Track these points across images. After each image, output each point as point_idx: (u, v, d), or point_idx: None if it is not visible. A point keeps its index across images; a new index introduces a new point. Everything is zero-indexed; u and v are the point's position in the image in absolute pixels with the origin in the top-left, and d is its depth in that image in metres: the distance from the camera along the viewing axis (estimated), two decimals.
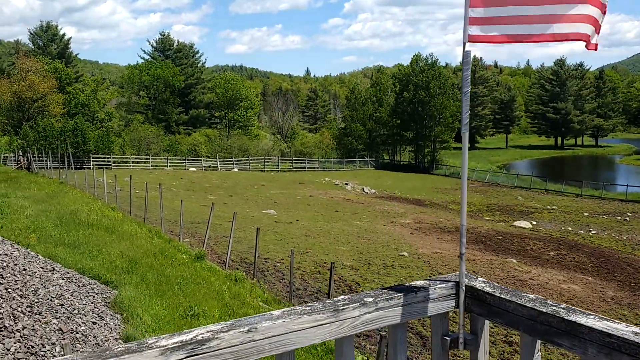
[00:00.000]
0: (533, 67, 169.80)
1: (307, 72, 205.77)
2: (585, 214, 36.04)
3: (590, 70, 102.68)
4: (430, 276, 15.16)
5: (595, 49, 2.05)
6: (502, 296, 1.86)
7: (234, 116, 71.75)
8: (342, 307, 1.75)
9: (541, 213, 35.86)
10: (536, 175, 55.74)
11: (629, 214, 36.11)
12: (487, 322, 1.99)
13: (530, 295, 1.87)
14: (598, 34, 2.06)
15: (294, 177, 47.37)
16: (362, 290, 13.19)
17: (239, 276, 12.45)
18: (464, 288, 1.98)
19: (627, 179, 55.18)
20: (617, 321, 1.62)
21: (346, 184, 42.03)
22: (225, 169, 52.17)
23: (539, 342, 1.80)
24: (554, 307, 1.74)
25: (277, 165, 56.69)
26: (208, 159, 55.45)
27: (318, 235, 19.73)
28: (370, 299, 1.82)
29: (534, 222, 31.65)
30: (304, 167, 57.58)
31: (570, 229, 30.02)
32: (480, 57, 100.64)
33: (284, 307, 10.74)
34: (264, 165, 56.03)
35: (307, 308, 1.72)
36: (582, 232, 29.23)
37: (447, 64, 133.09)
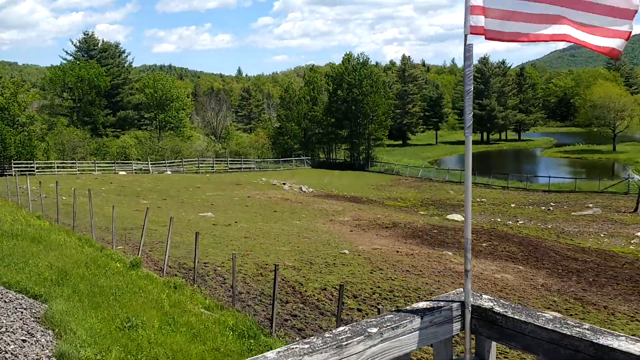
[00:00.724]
0: (458, 66, 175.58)
1: (239, 71, 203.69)
2: (512, 205, 37.58)
3: (512, 67, 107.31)
4: (371, 272, 15.29)
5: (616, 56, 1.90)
6: (516, 317, 1.69)
7: (165, 117, 69.92)
8: (345, 343, 1.56)
9: (472, 206, 37.07)
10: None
11: (552, 204, 37.95)
12: (494, 344, 1.83)
13: (547, 315, 1.70)
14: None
15: (230, 178, 46.73)
16: (305, 291, 13.11)
17: (178, 283, 12.07)
18: (470, 308, 1.83)
19: (548, 171, 58.03)
20: None
21: (284, 184, 41.88)
22: (158, 172, 50.77)
23: None
24: (577, 329, 1.55)
25: (212, 167, 55.78)
26: (139, 162, 53.76)
27: (258, 237, 19.50)
28: (375, 330, 1.64)
29: None
30: (240, 168, 56.96)
31: (499, 220, 31.20)
32: (409, 56, 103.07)
33: (228, 312, 10.49)
34: (198, 167, 54.95)
35: (306, 346, 1.53)
36: (510, 222, 30.45)
37: (377, 63, 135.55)
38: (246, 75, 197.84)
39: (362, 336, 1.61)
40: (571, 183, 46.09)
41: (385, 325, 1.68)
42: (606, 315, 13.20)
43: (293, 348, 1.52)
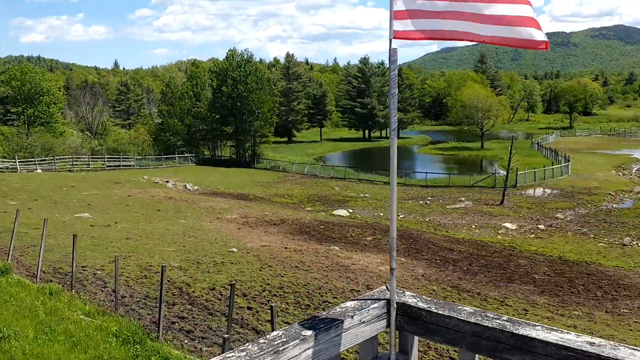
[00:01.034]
0: (340, 65, 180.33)
1: (116, 64, 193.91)
2: None
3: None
4: (261, 270, 15.26)
5: (546, 48, 1.96)
6: (440, 312, 1.73)
7: (35, 112, 64.73)
8: (282, 348, 1.54)
9: (356, 201, 38.28)
10: (349, 166, 59.36)
11: (429, 198, 40.22)
12: (416, 338, 1.87)
13: (468, 308, 1.75)
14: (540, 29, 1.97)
15: (108, 176, 44.32)
16: (193, 291, 12.79)
17: (54, 289, 11.25)
18: (395, 306, 1.85)
19: (425, 167, 61.39)
20: (564, 330, 1.54)
21: (167, 182, 40.51)
22: (27, 170, 46.91)
23: (477, 356, 1.69)
24: (497, 321, 1.61)
25: (88, 165, 52.56)
26: (5, 160, 49.36)
27: (141, 237, 18.70)
28: (309, 332, 1.63)
29: (351, 210, 33.68)
30: (119, 166, 54.22)
31: (382, 214, 32.51)
32: (292, 54, 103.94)
33: (110, 318, 9.95)
34: (72, 165, 51.51)
35: (242, 354, 1.48)
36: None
37: (261, 60, 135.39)
38: (124, 68, 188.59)
39: (298, 340, 1.59)
40: (445, 178, 49.11)
41: (318, 328, 1.67)
42: (479, 301, 14.22)
43: (229, 357, 1.48)
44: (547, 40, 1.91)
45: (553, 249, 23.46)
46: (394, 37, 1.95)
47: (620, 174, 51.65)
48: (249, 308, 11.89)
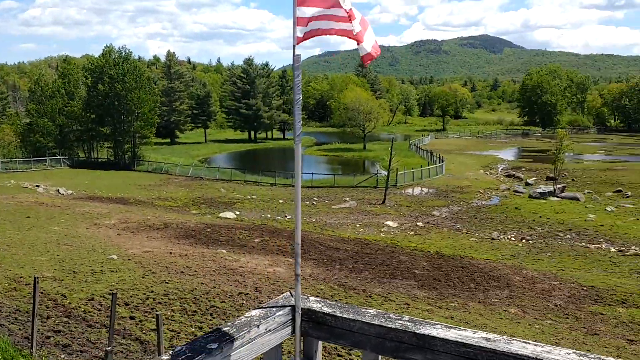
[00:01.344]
0: (224, 65, 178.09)
1: None
2: (280, 200, 39.50)
3: (275, 70, 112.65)
4: (143, 277, 14.62)
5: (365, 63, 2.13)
6: (345, 316, 1.73)
7: None
8: None
9: (243, 203, 37.98)
10: (235, 167, 58.77)
11: (315, 199, 40.90)
12: (320, 343, 1.86)
13: (371, 311, 1.75)
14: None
15: None
16: (69, 303, 11.96)
17: None
18: (300, 312, 1.83)
19: (310, 168, 62.37)
20: (462, 328, 1.59)
21: (37, 186, 37.60)
22: None
23: (380, 357, 1.70)
24: (400, 321, 1.64)
25: None
26: None
27: (9, 247, 17.18)
28: (215, 345, 1.55)
29: (238, 212, 33.36)
30: None
31: (269, 215, 32.55)
32: (174, 52, 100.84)
33: None
34: None
35: None
36: (279, 218, 31.97)
37: (140, 58, 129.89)
38: None
39: (204, 354, 1.53)
40: (330, 179, 50.25)
41: (224, 339, 1.62)
42: (365, 297, 14.69)
43: None
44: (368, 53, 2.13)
45: (431, 245, 24.85)
46: (297, 44, 1.99)
47: (488, 173, 55.97)
48: (132, 317, 11.34)
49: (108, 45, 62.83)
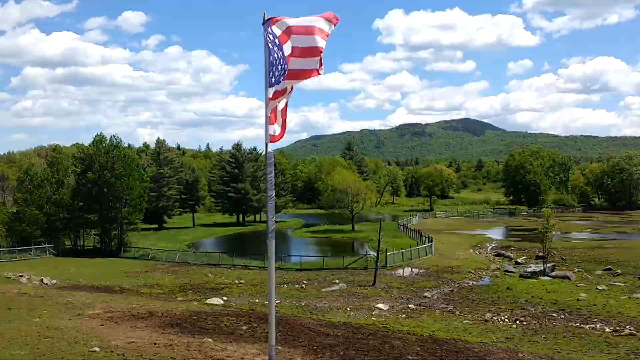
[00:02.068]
0: (213, 150, 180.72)
1: None
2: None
3: (262, 153, 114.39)
4: None
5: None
6: None
7: None
8: None
9: (230, 288, 37.31)
10: (223, 251, 58.19)
11: (304, 282, 40.35)
12: None
13: None
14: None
15: None
16: None
17: None
18: None
19: (299, 250, 61.97)
20: None
21: (21, 276, 36.80)
22: None
23: None
24: None
25: None
26: None
27: None
28: None
29: (225, 298, 32.69)
30: None
31: (257, 300, 31.91)
32: (164, 139, 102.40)
33: None
34: None
35: None
36: (266, 302, 31.37)
37: (130, 145, 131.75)
38: None
39: None
40: (320, 261, 49.81)
41: None
42: None
43: None
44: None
45: (423, 328, 24.33)
46: (270, 142, 2.07)
47: (477, 252, 55.88)
48: None
49: (99, 133, 63.75)
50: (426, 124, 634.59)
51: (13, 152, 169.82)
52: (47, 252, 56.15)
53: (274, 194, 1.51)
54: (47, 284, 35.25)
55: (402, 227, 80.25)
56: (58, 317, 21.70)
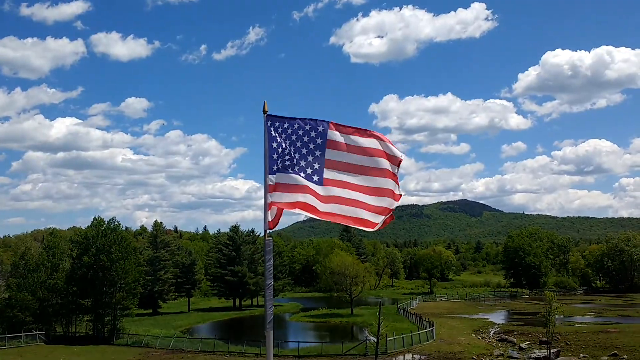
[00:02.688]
0: (210, 232, 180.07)
1: None
2: None
3: (261, 236, 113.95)
4: None
5: (372, 228, 2.33)
6: None
7: None
8: None
9: None
10: (219, 337, 56.68)
11: None
12: None
13: None
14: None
15: None
16: None
17: None
18: None
19: (297, 336, 60.38)
20: None
21: None
22: None
23: None
24: None
25: None
26: None
27: None
28: None
29: None
30: None
31: None
32: (161, 222, 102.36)
33: None
34: None
35: None
36: None
37: (127, 228, 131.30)
38: None
39: None
40: (318, 347, 48.50)
41: None
42: None
43: None
44: (377, 222, 2.37)
45: None
46: (269, 228, 2.19)
47: (480, 337, 54.52)
48: None
49: (97, 217, 63.79)
50: (424, 205, 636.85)
51: (9, 236, 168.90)
52: (38, 339, 54.63)
53: (272, 283, 1.54)
54: None
55: (401, 310, 78.71)
56: None
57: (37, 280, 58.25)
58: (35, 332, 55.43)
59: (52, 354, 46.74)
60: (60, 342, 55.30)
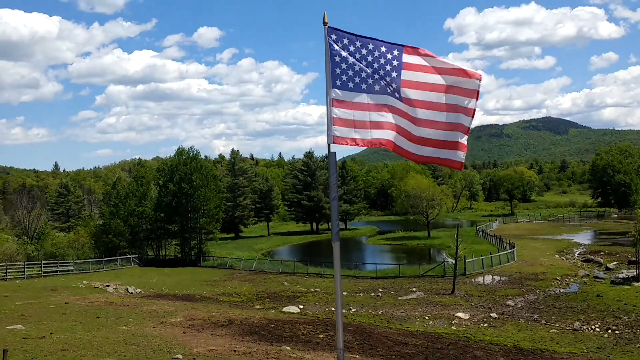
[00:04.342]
0: (285, 159, 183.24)
1: (56, 166, 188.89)
2: (345, 293, 38.64)
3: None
4: None
5: (460, 168, 2.03)
6: None
7: None
8: None
9: (306, 296, 37.40)
10: (298, 260, 58.59)
11: (380, 290, 39.80)
12: None
13: None
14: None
15: (44, 283, 41.88)
16: None
17: None
18: None
19: (374, 258, 61.40)
20: None
21: (107, 286, 38.58)
22: None
23: None
24: None
25: (23, 271, 49.66)
26: None
27: (78, 348, 17.31)
28: None
29: (301, 306, 32.77)
30: (57, 271, 51.44)
31: (333, 309, 31.73)
32: (238, 150, 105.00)
33: None
34: (6, 272, 48.53)
35: None
36: (344, 311, 31.11)
37: (206, 157, 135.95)
38: (64, 170, 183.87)
39: None
40: (395, 268, 49.01)
41: None
42: None
43: None
44: (463, 161, 2.01)
45: (507, 338, 23.26)
46: (333, 142, 1.88)
47: (564, 258, 53.10)
48: None
49: (180, 147, 66.20)
50: (504, 125, 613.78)
51: (99, 167, 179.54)
52: (132, 262, 58.73)
53: (337, 196, 1.39)
54: (132, 292, 36.74)
55: (480, 233, 77.76)
56: (143, 325, 22.47)
57: (128, 208, 62.00)
58: (129, 256, 59.56)
59: (145, 274, 50.15)
60: (152, 265, 59.20)
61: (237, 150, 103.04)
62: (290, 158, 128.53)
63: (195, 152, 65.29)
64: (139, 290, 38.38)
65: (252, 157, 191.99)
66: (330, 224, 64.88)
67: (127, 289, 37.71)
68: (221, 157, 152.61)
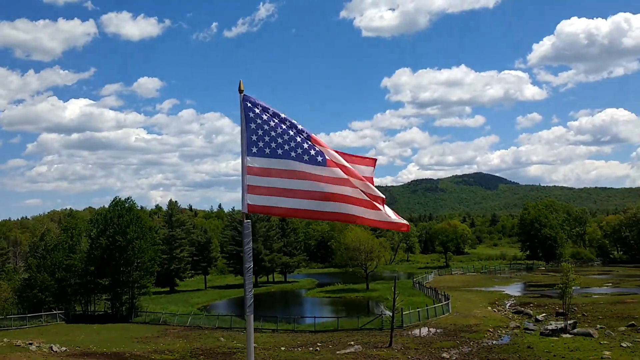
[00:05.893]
0: (225, 210, 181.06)
1: None
2: (282, 348, 37.95)
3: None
4: None
5: (407, 230, 2.09)
6: None
7: None
8: None
9: (243, 352, 36.40)
10: (235, 314, 57.16)
11: (318, 344, 39.33)
12: None
13: None
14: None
15: None
16: None
17: None
18: None
19: (313, 311, 60.81)
20: None
21: (30, 344, 36.28)
22: None
23: None
24: None
25: None
26: None
27: None
28: None
29: None
30: None
31: None
32: (176, 201, 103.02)
33: None
34: None
35: None
36: None
37: (142, 207, 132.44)
38: None
39: None
40: (334, 322, 48.70)
41: None
42: None
43: None
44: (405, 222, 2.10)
45: None
46: (247, 211, 1.99)
47: (496, 310, 54.43)
48: None
49: (116, 197, 64.19)
50: (438, 179, 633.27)
51: (26, 218, 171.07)
52: (58, 318, 55.58)
53: (251, 266, 1.43)
54: (56, 351, 34.67)
55: (417, 285, 78.78)
56: None
57: (56, 260, 59.06)
58: (55, 312, 56.38)
59: (72, 332, 47.53)
60: (80, 321, 56.23)
61: (175, 201, 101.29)
62: (230, 209, 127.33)
63: (131, 202, 63.60)
64: (64, 348, 36.26)
65: (190, 208, 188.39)
66: (269, 277, 64.41)
67: (51, 347, 35.55)
68: (158, 207, 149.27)
